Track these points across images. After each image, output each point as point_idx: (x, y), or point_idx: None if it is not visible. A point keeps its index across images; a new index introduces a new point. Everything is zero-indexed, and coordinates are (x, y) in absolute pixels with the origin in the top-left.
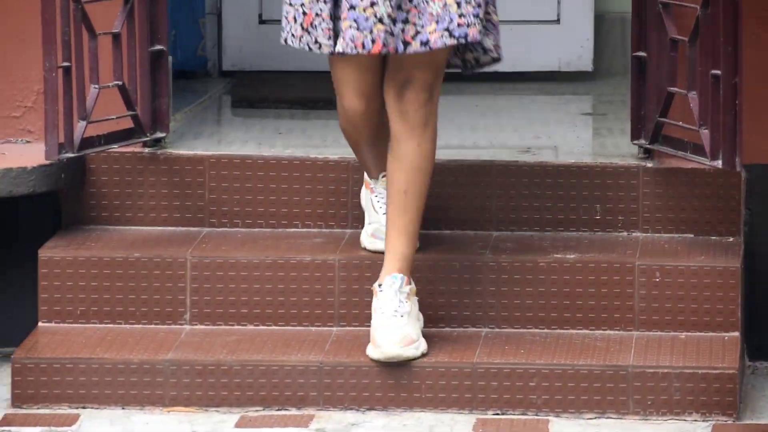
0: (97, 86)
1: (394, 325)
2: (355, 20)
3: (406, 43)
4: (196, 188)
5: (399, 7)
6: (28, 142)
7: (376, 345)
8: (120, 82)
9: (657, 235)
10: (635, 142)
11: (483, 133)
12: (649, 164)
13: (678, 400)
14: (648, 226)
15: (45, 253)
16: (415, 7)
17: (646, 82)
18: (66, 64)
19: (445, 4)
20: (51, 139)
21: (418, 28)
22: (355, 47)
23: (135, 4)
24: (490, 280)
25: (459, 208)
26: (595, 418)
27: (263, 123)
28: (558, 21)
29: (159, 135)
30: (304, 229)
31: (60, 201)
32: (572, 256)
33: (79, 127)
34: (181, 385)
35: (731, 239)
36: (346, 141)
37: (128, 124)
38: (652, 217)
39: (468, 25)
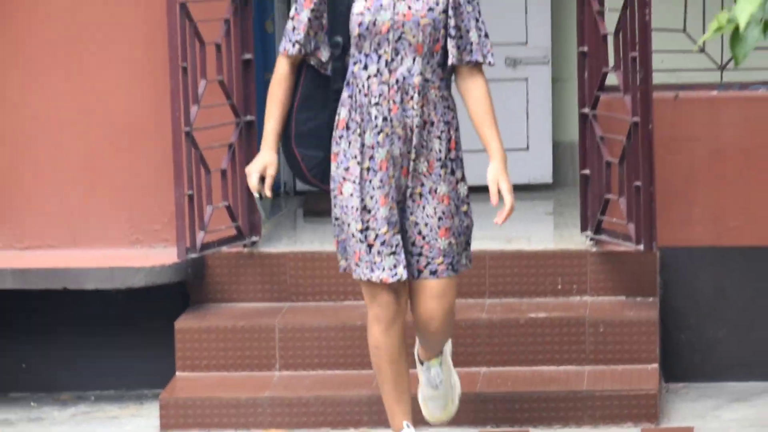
0: (211, 207)
1: (433, 401)
2: (372, 251)
3: (419, 271)
4: (280, 275)
5: (413, 243)
6: (165, 246)
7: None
8: (227, 203)
9: (600, 297)
10: (584, 233)
11: (477, 230)
12: (594, 249)
13: (617, 413)
14: (594, 292)
15: (179, 324)
16: (428, 243)
17: (590, 191)
18: (190, 192)
19: (450, 243)
20: (180, 245)
21: (429, 260)
22: (371, 276)
23: (236, 149)
24: (485, 333)
25: (462, 284)
26: (561, 428)
27: (325, 228)
28: (527, 149)
29: (254, 239)
30: (357, 302)
31: (187, 287)
32: (543, 315)
33: (200, 235)
34: (275, 413)
35: (650, 299)
36: (376, 373)
37: (233, 232)
38: (597, 285)
39: (459, 262)
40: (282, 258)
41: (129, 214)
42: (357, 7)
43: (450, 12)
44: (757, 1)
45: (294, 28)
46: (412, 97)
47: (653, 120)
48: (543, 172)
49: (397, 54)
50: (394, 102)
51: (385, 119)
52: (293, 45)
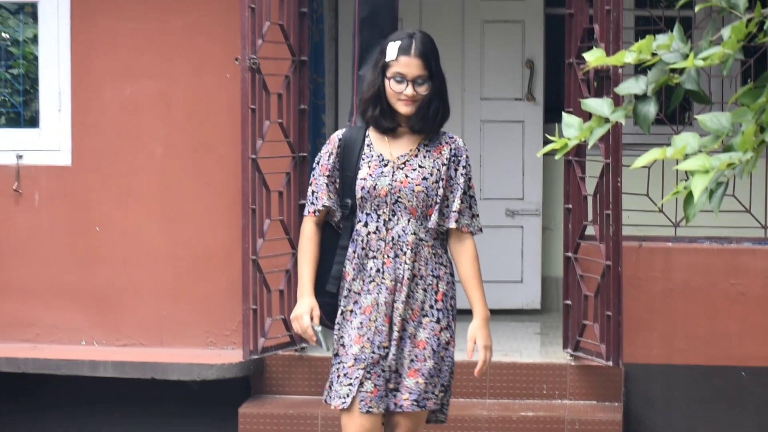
0: (270, 319)
1: None
2: (336, 381)
3: (394, 404)
4: (323, 374)
5: (388, 380)
6: (233, 348)
7: None
8: (283, 317)
9: (577, 401)
10: (565, 350)
11: None
12: (573, 363)
13: None
14: (572, 397)
15: (242, 410)
16: (400, 381)
17: (571, 317)
18: (254, 307)
19: (416, 382)
20: (245, 348)
21: (398, 395)
22: (330, 403)
23: (291, 274)
24: (485, 426)
25: (467, 387)
26: None
27: None
28: (521, 281)
29: (303, 345)
30: None
31: (250, 381)
32: (531, 414)
33: (261, 341)
34: None
35: (616, 404)
36: None
37: (287, 339)
38: (574, 391)
39: (428, 399)
40: (324, 361)
41: (206, 322)
42: (361, 173)
43: (440, 183)
44: (708, 178)
45: (314, 192)
46: (405, 253)
47: (622, 263)
48: (533, 300)
49: (393, 215)
50: (388, 256)
51: (378, 270)
52: (316, 208)
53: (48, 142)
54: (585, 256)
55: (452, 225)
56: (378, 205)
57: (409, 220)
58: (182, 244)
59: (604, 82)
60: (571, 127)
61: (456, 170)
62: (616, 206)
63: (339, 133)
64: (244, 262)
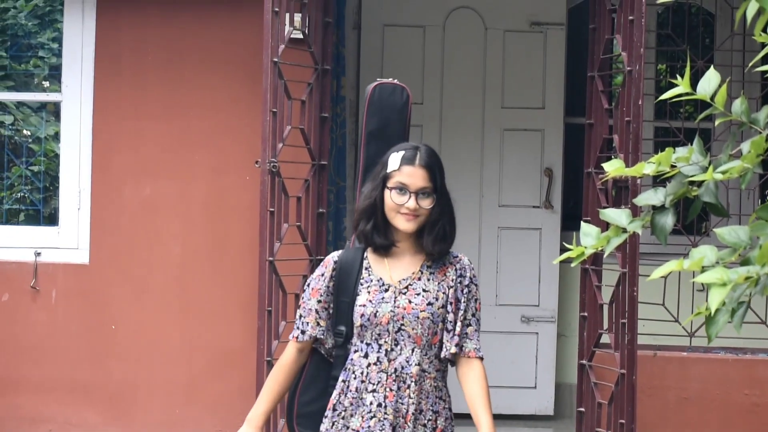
0: (282, 420)
1: None
2: None
3: None
4: None
5: None
6: None
7: None
8: None
9: None
10: None
11: None
12: None
13: None
14: None
15: None
16: None
17: (584, 425)
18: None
19: None
20: None
21: None
22: None
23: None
24: None
25: None
26: None
27: None
28: (535, 387)
29: None
30: None
31: None
32: None
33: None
34: None
35: None
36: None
37: None
38: None
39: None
40: None
41: (218, 421)
42: (360, 300)
43: (449, 308)
44: (726, 291)
45: (301, 316)
46: (408, 386)
47: (636, 372)
48: (546, 406)
49: (396, 344)
50: (390, 390)
51: (379, 405)
52: (302, 332)
53: (66, 239)
54: (599, 364)
55: (459, 350)
56: (379, 334)
57: (413, 350)
58: (197, 343)
59: (622, 192)
60: (589, 236)
61: (461, 290)
62: (632, 315)
63: (335, 255)
64: (258, 362)
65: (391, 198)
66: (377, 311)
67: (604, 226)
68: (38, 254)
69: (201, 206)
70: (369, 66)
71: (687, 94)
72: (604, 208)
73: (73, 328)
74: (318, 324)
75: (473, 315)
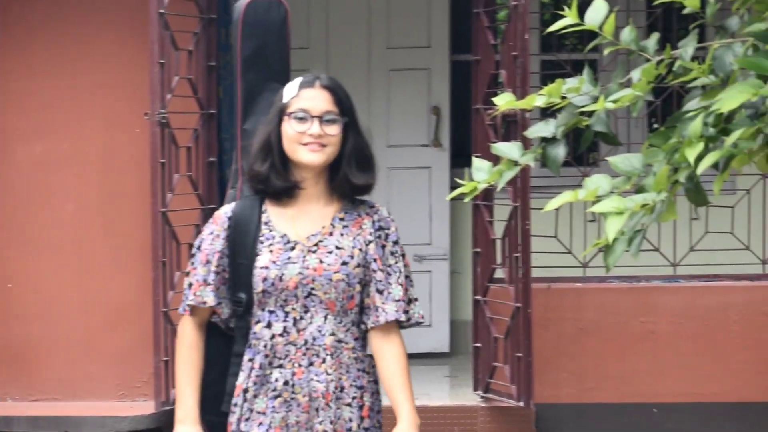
0: None
1: None
2: None
3: None
4: None
5: None
6: (145, 400)
7: None
8: None
9: None
10: (476, 392)
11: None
12: (484, 405)
13: None
14: None
15: None
16: None
17: (481, 360)
18: (165, 359)
19: None
20: (157, 399)
21: None
22: None
23: None
24: None
25: None
26: None
27: None
28: (430, 325)
29: None
30: None
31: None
32: None
33: (173, 392)
34: None
35: None
36: None
37: None
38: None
39: None
40: None
41: (118, 375)
42: (261, 261)
43: (374, 265)
44: (623, 219)
45: (191, 286)
46: (324, 360)
47: (532, 305)
48: (442, 344)
49: (306, 311)
50: (300, 365)
51: (286, 383)
52: (196, 304)
53: None
54: (494, 299)
55: (399, 317)
56: (285, 300)
57: (326, 318)
58: (94, 298)
59: (511, 126)
60: (481, 171)
61: (385, 247)
62: (525, 249)
63: (227, 210)
64: (155, 314)
65: (290, 126)
66: (282, 274)
67: (495, 161)
68: None
69: (92, 161)
70: None
71: (575, 25)
72: (494, 143)
73: None
74: (212, 292)
75: (399, 273)
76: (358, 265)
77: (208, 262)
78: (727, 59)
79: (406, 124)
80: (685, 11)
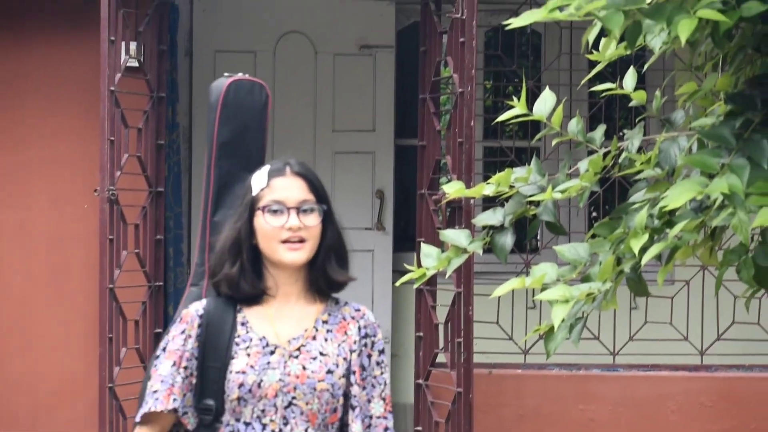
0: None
1: None
2: None
3: None
4: None
5: None
6: None
7: None
8: None
9: None
10: None
11: None
12: None
13: None
14: None
15: None
16: None
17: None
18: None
19: None
20: None
21: None
22: None
23: None
24: None
25: None
26: None
27: None
28: None
29: None
30: None
31: None
32: None
33: None
34: None
35: None
36: None
37: None
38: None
39: None
40: None
41: None
42: (237, 365)
43: (352, 378)
44: (568, 307)
45: (154, 390)
46: None
47: (473, 390)
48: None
49: (285, 424)
50: None
51: None
52: (159, 409)
53: None
54: (436, 383)
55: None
56: (263, 411)
57: None
58: (40, 371)
59: (455, 212)
60: (430, 257)
61: (371, 357)
62: (468, 334)
63: (198, 308)
64: (101, 388)
65: (265, 221)
66: (261, 380)
67: (440, 246)
68: None
69: (41, 236)
70: (201, 92)
71: (524, 115)
72: (439, 228)
73: None
74: (178, 397)
75: (382, 387)
76: (343, 375)
77: (174, 364)
78: (673, 152)
79: (349, 206)
80: (632, 104)
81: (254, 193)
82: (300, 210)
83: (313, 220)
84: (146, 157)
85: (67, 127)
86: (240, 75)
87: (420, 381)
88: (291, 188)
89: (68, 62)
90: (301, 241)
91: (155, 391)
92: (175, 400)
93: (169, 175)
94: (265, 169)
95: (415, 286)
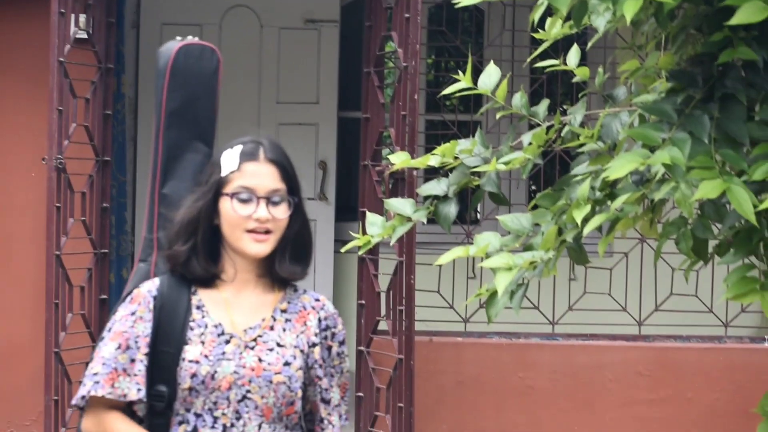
0: (71, 409)
1: None
2: None
3: None
4: None
5: None
6: None
7: None
8: None
9: None
10: None
11: None
12: None
13: None
14: None
15: None
16: None
17: (363, 410)
18: (56, 398)
19: None
20: None
21: None
22: None
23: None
24: None
25: None
26: None
27: None
28: None
29: None
30: None
31: None
32: None
33: (62, 430)
34: None
35: None
36: None
37: None
38: None
39: None
40: None
41: (8, 412)
42: (191, 353)
43: (319, 371)
44: (511, 275)
45: (96, 373)
46: None
47: (414, 357)
48: None
49: (238, 418)
50: None
51: None
52: (93, 394)
53: None
54: (377, 350)
55: (345, 424)
56: (215, 403)
57: (260, 427)
58: None
59: (398, 183)
60: (375, 225)
61: (331, 348)
62: (409, 302)
63: (150, 288)
64: (47, 354)
65: (233, 209)
66: (215, 371)
67: (383, 216)
68: None
69: None
70: (147, 64)
71: (469, 88)
72: (382, 198)
73: None
74: (137, 384)
75: (340, 375)
76: (300, 368)
77: (128, 348)
78: (615, 127)
79: None
80: (575, 80)
81: (223, 174)
82: (270, 201)
83: (282, 213)
84: (93, 126)
85: (16, 97)
86: (190, 38)
87: (362, 348)
88: (262, 176)
89: (18, 33)
90: (267, 232)
91: (95, 374)
92: (122, 385)
93: (113, 144)
94: (237, 149)
95: (360, 252)
